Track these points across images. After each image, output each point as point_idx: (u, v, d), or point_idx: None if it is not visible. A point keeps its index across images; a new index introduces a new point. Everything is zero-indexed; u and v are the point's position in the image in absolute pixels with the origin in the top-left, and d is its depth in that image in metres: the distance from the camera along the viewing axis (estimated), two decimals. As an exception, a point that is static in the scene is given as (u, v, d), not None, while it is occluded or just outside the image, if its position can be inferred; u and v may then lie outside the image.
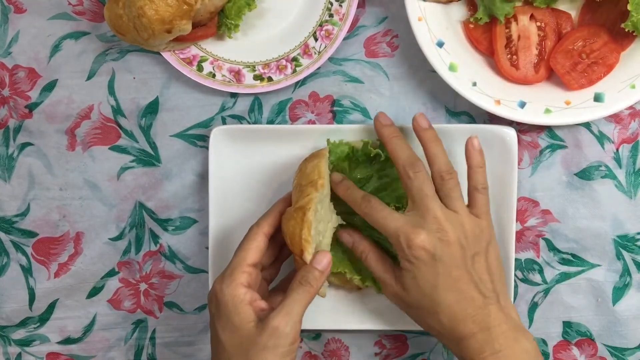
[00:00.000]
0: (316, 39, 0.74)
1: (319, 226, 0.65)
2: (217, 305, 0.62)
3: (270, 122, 0.77)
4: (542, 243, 0.76)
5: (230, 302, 0.61)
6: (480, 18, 0.71)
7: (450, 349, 0.65)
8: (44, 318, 0.79)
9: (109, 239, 0.78)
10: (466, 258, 0.64)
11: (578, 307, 0.76)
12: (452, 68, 0.71)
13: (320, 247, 0.66)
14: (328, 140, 0.72)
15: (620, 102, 0.71)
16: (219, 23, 0.73)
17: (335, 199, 0.69)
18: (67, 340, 0.79)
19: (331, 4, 0.73)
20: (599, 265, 0.76)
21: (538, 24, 0.71)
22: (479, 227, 0.65)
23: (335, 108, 0.76)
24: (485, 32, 0.72)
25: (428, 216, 0.63)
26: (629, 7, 0.66)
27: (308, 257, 0.62)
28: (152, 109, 0.77)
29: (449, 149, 0.74)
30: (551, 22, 0.72)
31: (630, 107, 0.75)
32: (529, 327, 0.77)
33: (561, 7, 0.73)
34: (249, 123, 0.77)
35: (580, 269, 0.76)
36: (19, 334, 0.79)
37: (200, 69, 0.74)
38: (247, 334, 0.60)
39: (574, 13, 0.73)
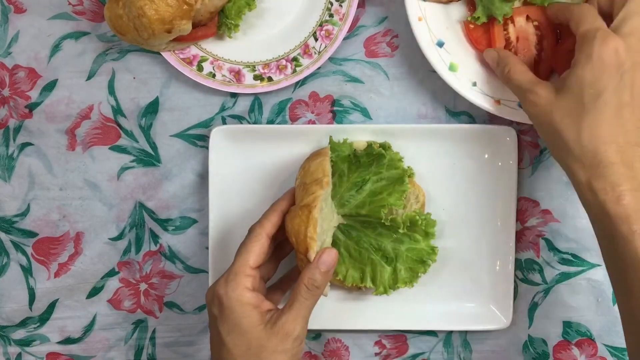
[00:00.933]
0: (316, 39, 0.74)
1: (323, 224, 0.65)
2: (221, 309, 0.62)
3: (270, 122, 0.77)
4: (542, 243, 0.76)
5: (237, 307, 0.61)
6: (479, 17, 0.70)
7: (576, 179, 0.59)
8: (44, 318, 0.79)
9: (109, 239, 0.78)
10: None
11: (578, 307, 0.76)
12: (452, 68, 0.71)
13: (324, 246, 0.66)
14: (331, 138, 0.72)
15: (621, 102, 0.71)
16: (219, 23, 0.73)
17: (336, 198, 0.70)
18: (67, 340, 0.79)
19: (331, 3, 0.73)
20: (599, 265, 0.76)
21: (534, 23, 0.71)
22: None
23: (335, 108, 0.76)
24: (485, 32, 0.72)
25: (632, 35, 0.58)
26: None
27: (313, 255, 0.62)
28: (152, 109, 0.77)
29: (449, 149, 0.75)
30: (548, 21, 0.72)
31: (630, 107, 0.75)
32: (529, 327, 0.77)
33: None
34: (249, 123, 0.77)
35: (580, 269, 0.76)
36: (19, 334, 0.79)
37: (200, 69, 0.74)
38: (256, 337, 0.61)
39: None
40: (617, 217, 0.57)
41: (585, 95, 0.58)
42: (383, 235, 0.70)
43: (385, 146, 0.71)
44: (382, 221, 0.69)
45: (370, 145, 0.71)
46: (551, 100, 0.61)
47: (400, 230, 0.69)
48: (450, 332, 0.78)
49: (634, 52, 0.58)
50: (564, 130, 0.59)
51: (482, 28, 0.72)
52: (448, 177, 0.75)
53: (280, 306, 0.65)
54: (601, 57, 0.58)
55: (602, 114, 0.58)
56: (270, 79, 0.74)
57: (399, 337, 0.78)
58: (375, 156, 0.70)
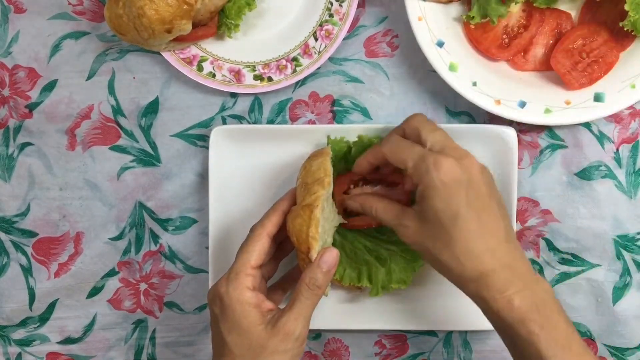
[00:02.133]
0: (316, 39, 0.74)
1: (325, 224, 0.65)
2: (223, 308, 0.62)
3: (270, 122, 0.77)
4: (542, 243, 0.76)
5: (238, 306, 0.61)
6: (473, 17, 0.70)
7: (468, 293, 0.61)
8: (44, 318, 0.79)
9: (109, 238, 0.78)
10: (491, 193, 0.61)
11: (578, 307, 0.76)
12: (452, 68, 0.71)
13: (325, 246, 0.66)
14: (328, 137, 0.72)
15: (621, 102, 0.71)
16: (219, 23, 0.73)
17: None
18: (67, 340, 0.79)
19: (331, 3, 0.73)
20: (599, 265, 0.76)
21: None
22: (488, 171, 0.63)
23: (335, 108, 0.76)
24: (485, 32, 0.72)
25: (448, 146, 0.61)
26: (626, 7, 0.66)
27: (315, 254, 0.62)
28: (152, 108, 0.77)
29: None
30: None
31: (631, 107, 0.75)
32: (529, 327, 0.77)
33: (561, 7, 0.73)
34: (249, 123, 0.77)
35: (580, 269, 0.76)
36: (19, 334, 0.79)
37: (200, 68, 0.74)
38: (257, 337, 0.61)
39: (574, 13, 0.73)
40: (514, 323, 0.58)
41: (445, 221, 0.59)
42: (377, 237, 0.71)
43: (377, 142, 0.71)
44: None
45: (361, 138, 0.70)
46: (418, 230, 0.62)
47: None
48: (450, 332, 0.78)
49: (460, 160, 0.60)
50: (438, 254, 0.60)
51: (481, 28, 0.72)
52: (448, 177, 0.75)
53: (281, 306, 0.65)
54: (443, 182, 0.59)
55: (465, 231, 0.59)
56: (270, 79, 0.74)
57: (399, 337, 0.78)
58: (366, 147, 0.70)
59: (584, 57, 0.71)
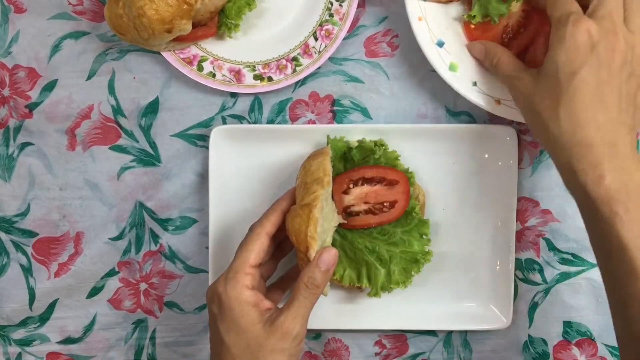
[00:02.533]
0: (316, 39, 0.74)
1: (324, 224, 0.65)
2: (221, 307, 0.62)
3: (270, 122, 0.77)
4: (542, 243, 0.76)
5: (236, 305, 0.61)
6: (474, 16, 0.70)
7: (557, 162, 0.58)
8: (44, 318, 0.79)
9: (109, 238, 0.78)
10: (623, 71, 0.58)
11: (578, 307, 0.76)
12: (452, 68, 0.71)
13: (324, 245, 0.66)
14: (328, 136, 0.72)
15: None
16: (219, 23, 0.73)
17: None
18: (67, 340, 0.79)
19: (331, 3, 0.73)
20: (599, 265, 0.76)
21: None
22: None
23: (335, 108, 0.76)
24: (485, 31, 0.72)
25: (606, 17, 0.58)
26: None
27: (314, 254, 0.62)
28: (152, 108, 0.77)
29: (449, 149, 0.74)
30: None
31: (631, 107, 0.75)
32: (529, 327, 0.77)
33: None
34: (249, 123, 0.77)
35: (580, 268, 0.76)
36: (19, 334, 0.79)
37: (200, 68, 0.74)
38: (255, 336, 0.61)
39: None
40: (598, 199, 0.55)
41: (562, 76, 0.58)
42: (377, 237, 0.71)
43: (378, 143, 0.71)
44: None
45: (362, 141, 0.71)
46: (532, 85, 0.61)
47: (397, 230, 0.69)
48: (450, 332, 0.78)
49: (607, 32, 0.58)
50: (542, 112, 0.59)
51: (482, 27, 0.72)
52: (448, 177, 0.75)
53: (280, 305, 0.65)
54: (574, 38, 0.57)
55: (579, 93, 0.57)
56: (270, 78, 0.74)
57: (399, 337, 0.78)
58: (368, 152, 0.70)
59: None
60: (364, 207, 0.70)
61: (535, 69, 0.63)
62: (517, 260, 0.76)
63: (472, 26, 0.72)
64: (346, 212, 0.70)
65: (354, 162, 0.71)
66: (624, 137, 0.57)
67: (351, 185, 0.70)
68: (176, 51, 0.74)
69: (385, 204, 0.70)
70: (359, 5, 0.74)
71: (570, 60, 0.58)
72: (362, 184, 0.70)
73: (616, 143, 0.56)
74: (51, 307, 0.79)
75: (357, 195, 0.70)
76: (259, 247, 0.64)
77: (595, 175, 0.55)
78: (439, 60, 0.71)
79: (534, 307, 0.77)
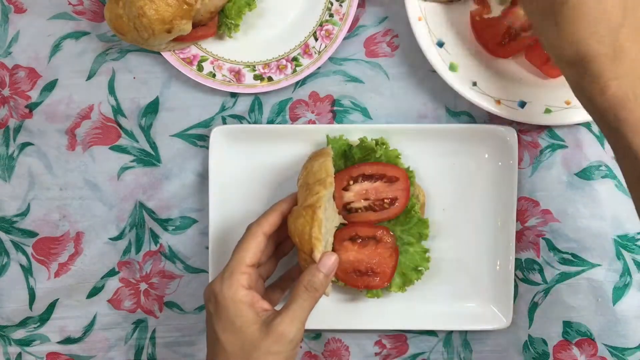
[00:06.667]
0: (316, 39, 0.74)
1: (327, 224, 0.65)
2: (217, 306, 0.62)
3: (271, 122, 0.77)
4: (542, 243, 0.76)
5: (232, 305, 0.61)
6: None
7: (568, 80, 0.56)
8: (44, 318, 0.79)
9: (109, 238, 0.78)
10: None
11: (578, 307, 0.76)
12: (452, 68, 0.71)
13: (327, 246, 0.66)
14: (328, 136, 0.72)
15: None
16: (219, 23, 0.73)
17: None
18: (67, 340, 0.79)
19: (331, 3, 0.73)
20: (599, 265, 0.76)
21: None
22: None
23: (335, 108, 0.76)
24: (490, 26, 0.71)
25: None
26: None
27: (318, 255, 0.62)
28: (152, 108, 0.77)
29: (449, 149, 0.75)
30: None
31: (631, 107, 0.75)
32: (529, 327, 0.77)
33: None
34: (249, 123, 0.77)
35: (580, 268, 0.76)
36: (19, 334, 0.79)
37: (200, 68, 0.74)
38: (250, 337, 0.60)
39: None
40: (603, 109, 0.54)
41: None
42: None
43: (379, 142, 0.71)
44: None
45: (363, 139, 0.71)
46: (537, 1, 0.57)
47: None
48: (450, 332, 0.78)
49: None
50: (545, 31, 0.56)
51: (486, 22, 0.72)
52: (448, 177, 0.75)
53: (280, 305, 0.65)
54: None
55: (578, 9, 0.53)
56: (270, 78, 0.74)
57: (399, 337, 0.78)
58: (369, 151, 0.70)
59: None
60: (364, 203, 0.70)
61: None
62: (517, 260, 0.76)
63: (477, 18, 0.71)
64: (346, 208, 0.70)
65: (355, 161, 0.71)
66: (632, 39, 0.54)
67: (351, 182, 0.70)
68: (176, 51, 0.74)
69: (385, 201, 0.70)
70: (359, 5, 0.74)
71: None
72: (362, 181, 0.70)
73: (622, 51, 0.53)
74: (51, 307, 0.79)
75: (357, 192, 0.70)
76: (255, 247, 0.64)
77: (599, 87, 0.54)
78: (439, 60, 0.71)
79: (534, 307, 0.77)
